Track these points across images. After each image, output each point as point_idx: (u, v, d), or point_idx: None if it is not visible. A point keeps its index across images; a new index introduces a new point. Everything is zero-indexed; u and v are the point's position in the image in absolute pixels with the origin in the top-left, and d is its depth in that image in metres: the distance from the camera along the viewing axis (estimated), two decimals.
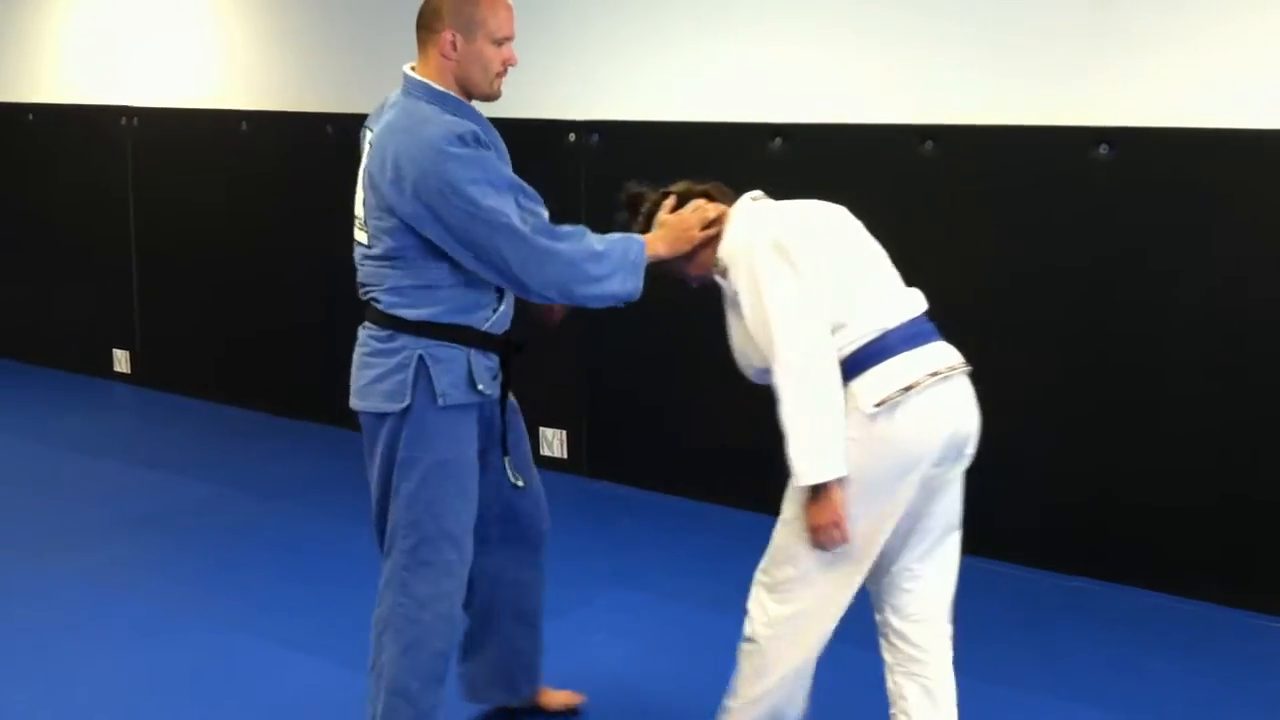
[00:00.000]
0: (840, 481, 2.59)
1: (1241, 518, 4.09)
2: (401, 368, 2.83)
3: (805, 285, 2.63)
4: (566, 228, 2.82)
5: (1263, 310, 4.00)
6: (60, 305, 7.32)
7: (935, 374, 2.66)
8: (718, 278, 2.86)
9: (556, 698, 3.40)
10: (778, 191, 2.95)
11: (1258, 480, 4.06)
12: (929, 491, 2.73)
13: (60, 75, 7.22)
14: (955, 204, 4.46)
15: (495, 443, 3.08)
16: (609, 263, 2.80)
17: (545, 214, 2.83)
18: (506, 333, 2.96)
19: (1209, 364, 4.10)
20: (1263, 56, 3.94)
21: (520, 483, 3.11)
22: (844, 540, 2.63)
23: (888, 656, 2.86)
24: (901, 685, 2.83)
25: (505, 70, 2.87)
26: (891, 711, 2.86)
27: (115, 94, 6.89)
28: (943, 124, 4.44)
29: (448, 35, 2.79)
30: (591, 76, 5.25)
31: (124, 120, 6.82)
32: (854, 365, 2.64)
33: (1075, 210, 4.23)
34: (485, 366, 2.91)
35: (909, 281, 2.81)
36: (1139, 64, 4.11)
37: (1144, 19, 4.09)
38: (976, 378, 2.80)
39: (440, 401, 2.84)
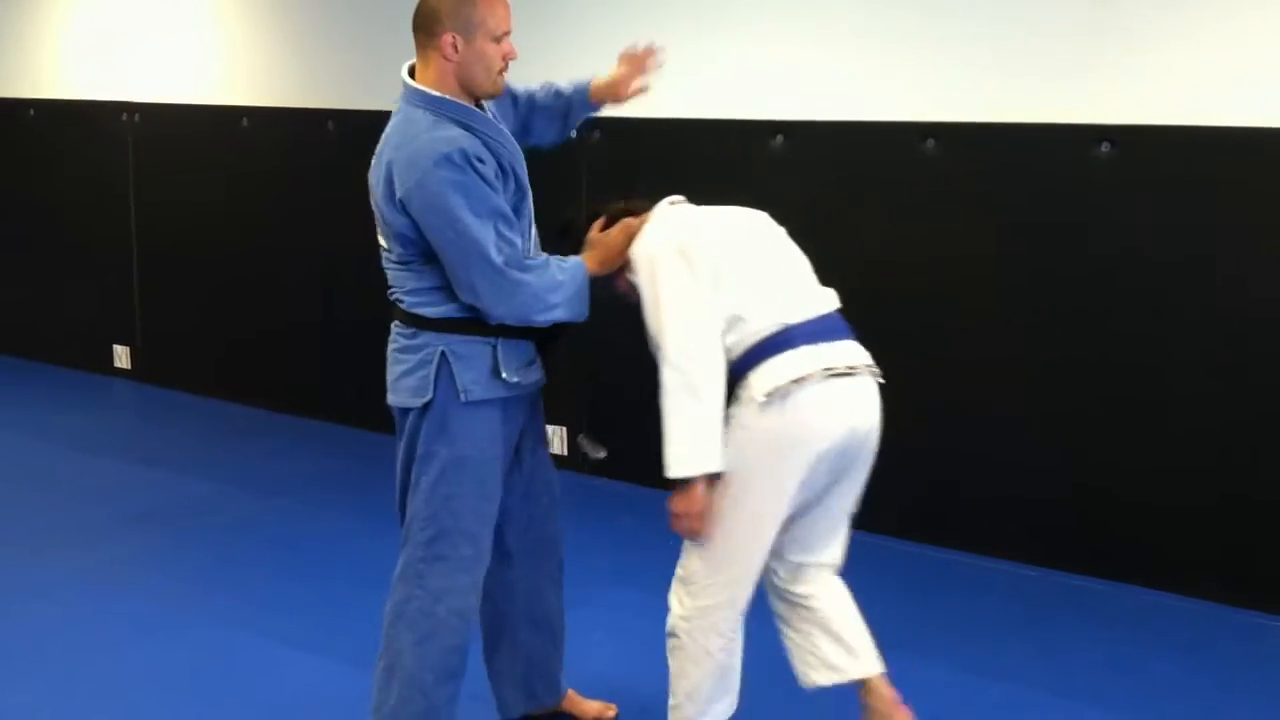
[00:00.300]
0: (712, 477, 2.68)
1: (1242, 517, 4.09)
2: (424, 364, 2.86)
3: (699, 288, 2.70)
4: (534, 259, 2.85)
5: (1263, 310, 4.00)
6: (61, 301, 7.32)
7: (830, 369, 2.70)
8: (630, 277, 2.90)
9: (589, 707, 3.38)
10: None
11: (1258, 480, 4.05)
12: (828, 484, 2.79)
13: (61, 71, 7.21)
14: (956, 202, 4.45)
15: (538, 438, 3.11)
16: (564, 291, 2.85)
17: (520, 242, 2.85)
18: None
19: (1210, 363, 4.09)
20: (1264, 55, 3.93)
21: (603, 454, 3.21)
22: (701, 534, 2.76)
23: (782, 610, 2.95)
24: (806, 633, 2.91)
25: (507, 65, 2.87)
26: (802, 657, 2.93)
27: (116, 90, 6.89)
28: (944, 122, 4.44)
29: (448, 38, 2.78)
30: (592, 74, 5.22)
31: (125, 116, 6.82)
32: (754, 356, 2.70)
33: (1076, 208, 4.22)
34: (516, 355, 2.91)
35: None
36: (1140, 62, 4.10)
37: (1145, 17, 4.09)
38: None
39: (463, 397, 2.85)
